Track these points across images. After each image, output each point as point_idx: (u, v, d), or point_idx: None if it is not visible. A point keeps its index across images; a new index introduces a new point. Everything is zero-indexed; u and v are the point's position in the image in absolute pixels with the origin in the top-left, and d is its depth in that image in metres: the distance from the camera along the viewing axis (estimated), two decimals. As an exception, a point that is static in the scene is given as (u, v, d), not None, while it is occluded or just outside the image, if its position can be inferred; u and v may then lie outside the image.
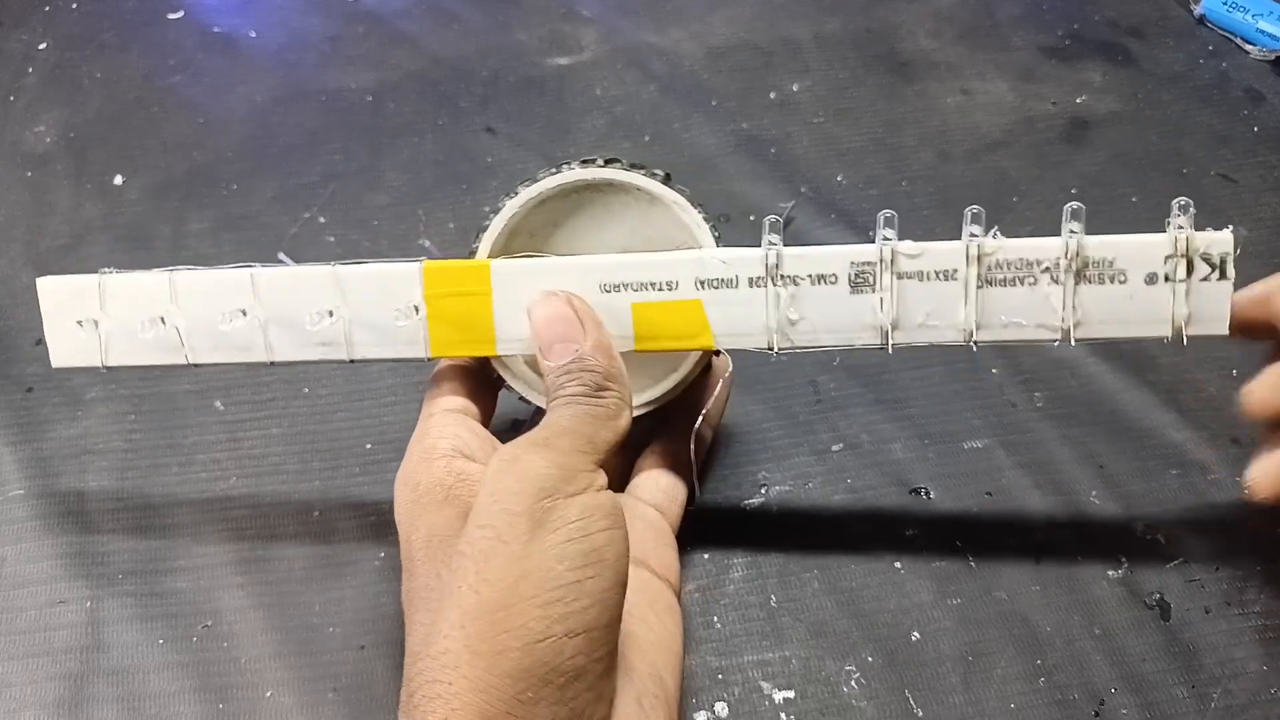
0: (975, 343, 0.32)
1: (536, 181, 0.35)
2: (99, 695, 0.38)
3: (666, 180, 0.35)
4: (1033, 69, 0.58)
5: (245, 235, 0.51)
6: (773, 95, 0.57)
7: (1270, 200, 0.51)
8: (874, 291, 0.32)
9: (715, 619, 0.39)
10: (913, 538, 0.41)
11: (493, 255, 0.35)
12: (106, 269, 0.36)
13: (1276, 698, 0.37)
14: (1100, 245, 0.31)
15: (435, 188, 0.53)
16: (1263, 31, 0.58)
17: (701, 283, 0.33)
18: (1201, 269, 0.31)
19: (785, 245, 0.33)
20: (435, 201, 0.52)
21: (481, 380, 0.36)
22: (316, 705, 0.37)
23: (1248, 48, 0.58)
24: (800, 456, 0.43)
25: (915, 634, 0.38)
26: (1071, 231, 0.31)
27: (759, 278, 0.32)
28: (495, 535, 0.27)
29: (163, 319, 0.35)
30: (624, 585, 0.29)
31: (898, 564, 0.40)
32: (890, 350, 0.32)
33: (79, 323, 0.36)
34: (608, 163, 0.34)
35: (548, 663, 0.26)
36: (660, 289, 0.33)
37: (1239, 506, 0.41)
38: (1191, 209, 0.31)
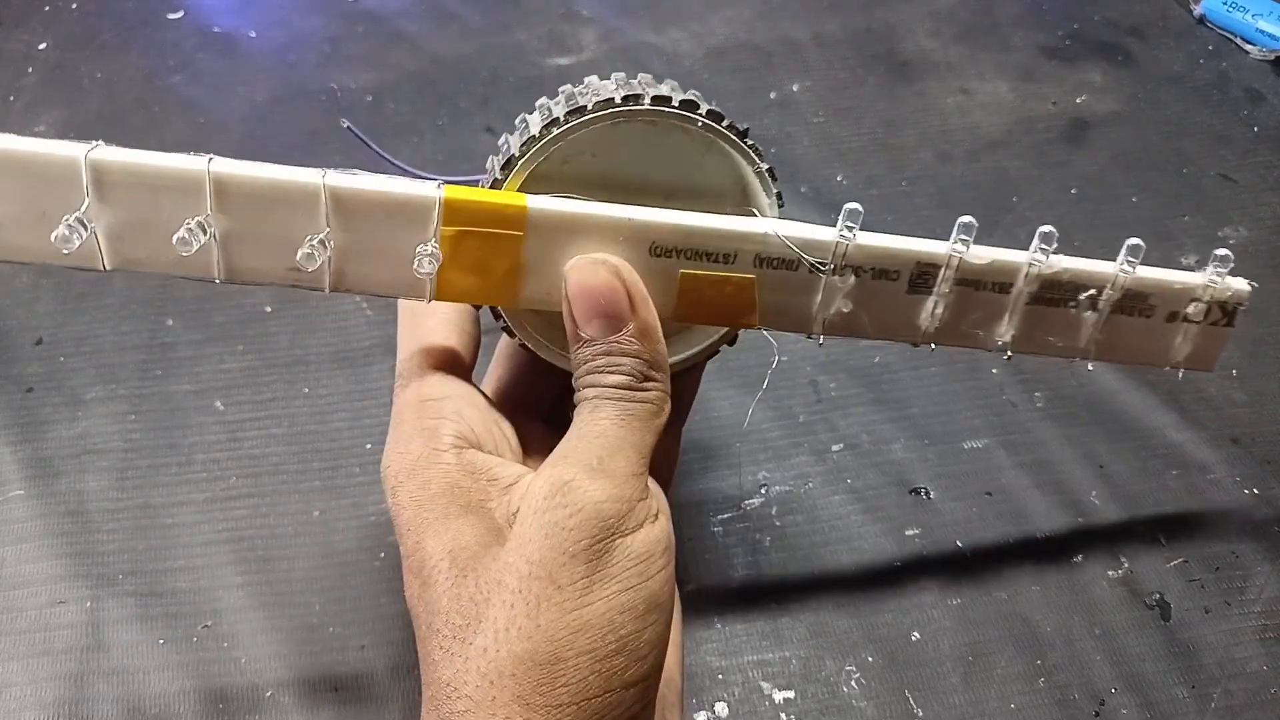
0: (1010, 355, 0.32)
1: (580, 110, 0.29)
2: (99, 695, 0.38)
3: (735, 128, 0.30)
4: (1033, 69, 0.58)
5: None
6: (773, 95, 0.57)
7: (1270, 200, 0.51)
8: (930, 294, 0.31)
9: (715, 619, 0.39)
10: (913, 538, 0.41)
11: (524, 189, 0.29)
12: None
13: (1276, 698, 0.37)
14: (1146, 283, 0.32)
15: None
16: (1263, 31, 0.58)
17: (762, 260, 0.29)
18: (1214, 314, 0.33)
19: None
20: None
21: (464, 310, 0.32)
22: (316, 705, 0.37)
23: (1248, 48, 0.58)
24: (800, 456, 0.43)
25: (915, 634, 0.38)
26: (1124, 270, 0.31)
27: (824, 264, 0.30)
28: (549, 578, 0.25)
29: (79, 211, 0.26)
30: (672, 622, 0.27)
31: (898, 564, 0.40)
32: (918, 346, 0.32)
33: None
34: (684, 105, 0.29)
35: (604, 715, 0.25)
36: (716, 260, 0.29)
37: (1239, 506, 0.41)
38: (1231, 262, 0.32)
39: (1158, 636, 0.38)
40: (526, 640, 0.24)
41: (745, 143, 0.30)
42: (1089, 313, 0.32)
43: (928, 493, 0.42)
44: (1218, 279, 0.32)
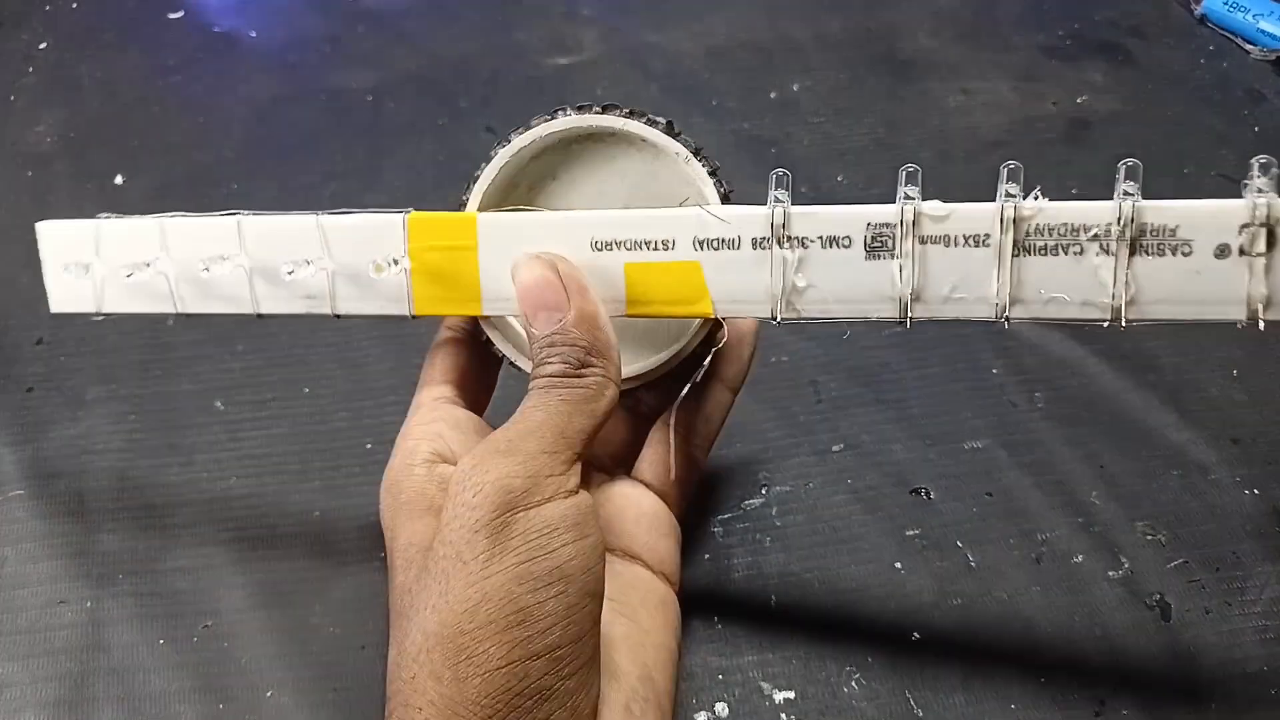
0: (1008, 319, 0.27)
1: (529, 129, 0.32)
2: (99, 695, 0.38)
3: (669, 129, 0.32)
4: (1033, 69, 0.58)
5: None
6: (773, 95, 0.57)
7: (1271, 200, 0.51)
8: (893, 258, 0.28)
9: (715, 619, 0.39)
10: (913, 538, 0.41)
11: (483, 209, 0.33)
12: (104, 214, 0.35)
13: (1276, 698, 0.37)
14: (1161, 211, 0.26)
15: (435, 188, 0.53)
16: (1263, 31, 0.58)
17: (701, 243, 0.30)
18: None
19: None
20: (435, 201, 0.51)
21: (480, 354, 0.35)
22: (316, 705, 0.37)
23: (1248, 48, 0.58)
24: (800, 456, 0.43)
25: (915, 634, 0.38)
26: (1126, 193, 0.27)
27: (763, 238, 0.29)
28: (455, 554, 0.26)
29: (150, 264, 0.34)
30: (596, 595, 0.28)
31: (898, 564, 0.40)
32: (909, 325, 0.28)
33: (72, 267, 0.36)
34: (605, 109, 0.32)
35: (511, 688, 0.25)
36: (656, 248, 0.30)
37: (1239, 506, 0.41)
38: (1275, 169, 0.26)
39: (1158, 637, 0.38)
40: (437, 616, 0.26)
41: (681, 140, 0.32)
42: (1102, 258, 0.27)
43: (928, 493, 0.42)
44: (1264, 190, 0.26)
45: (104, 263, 0.35)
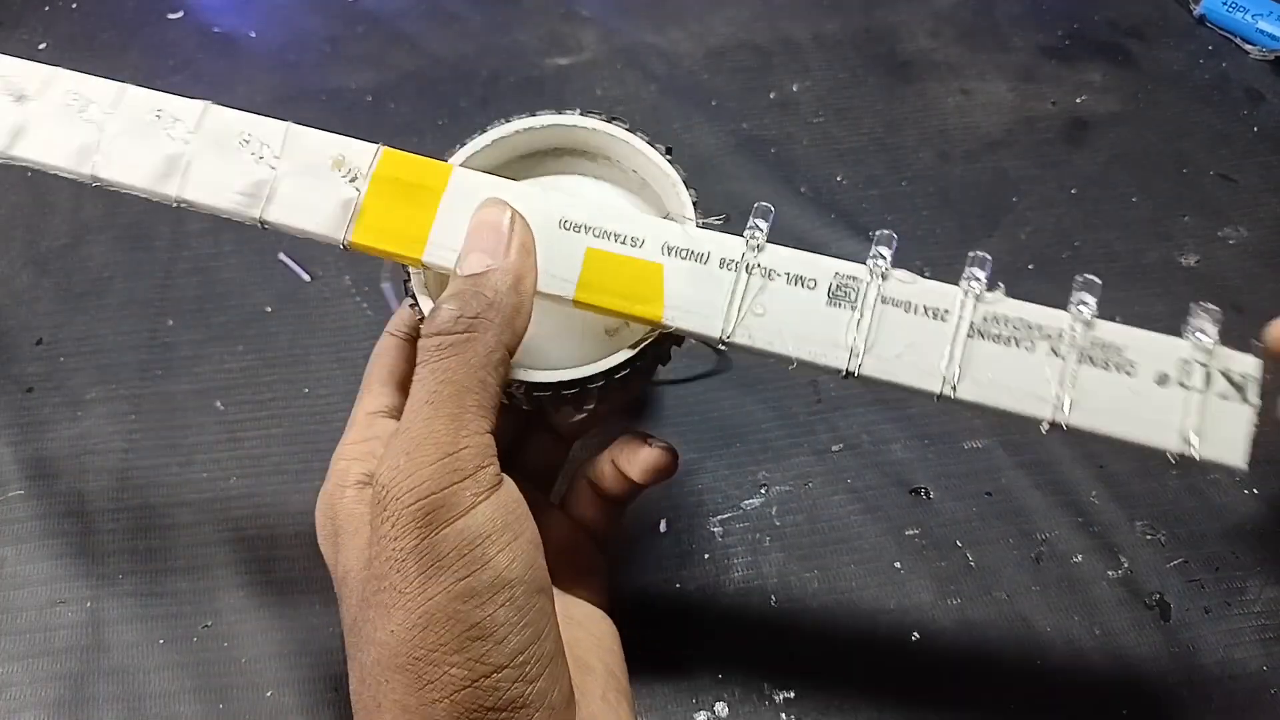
0: (955, 393, 0.28)
1: (533, 115, 0.33)
2: (99, 695, 0.38)
3: (665, 152, 0.32)
4: (1033, 69, 0.58)
5: (245, 235, 0.51)
6: (773, 95, 0.57)
7: (1270, 200, 0.51)
8: (853, 309, 0.28)
9: (715, 619, 0.39)
10: (912, 537, 0.41)
11: None
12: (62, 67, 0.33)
13: (1277, 698, 0.37)
14: (1112, 330, 0.28)
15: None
16: (1263, 31, 0.58)
17: (670, 249, 0.29)
18: (1220, 384, 0.27)
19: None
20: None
21: (403, 365, 0.34)
22: (316, 705, 0.37)
23: (1248, 48, 0.58)
24: (800, 456, 0.43)
25: (915, 634, 0.38)
26: (1081, 304, 0.28)
27: (733, 260, 0.29)
28: (390, 586, 0.25)
29: (92, 106, 0.31)
30: (545, 589, 0.27)
31: (898, 564, 0.40)
32: (857, 375, 0.28)
33: (5, 96, 0.32)
34: (584, 114, 0.32)
35: (481, 703, 0.25)
36: (624, 242, 0.30)
37: (1239, 506, 0.41)
38: (1219, 318, 0.27)
39: (1158, 636, 0.38)
40: (385, 648, 0.25)
41: (652, 144, 0.32)
42: (1050, 358, 0.27)
43: (928, 493, 0.42)
44: (1205, 336, 0.27)
45: (44, 101, 0.32)
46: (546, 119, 0.33)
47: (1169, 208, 0.51)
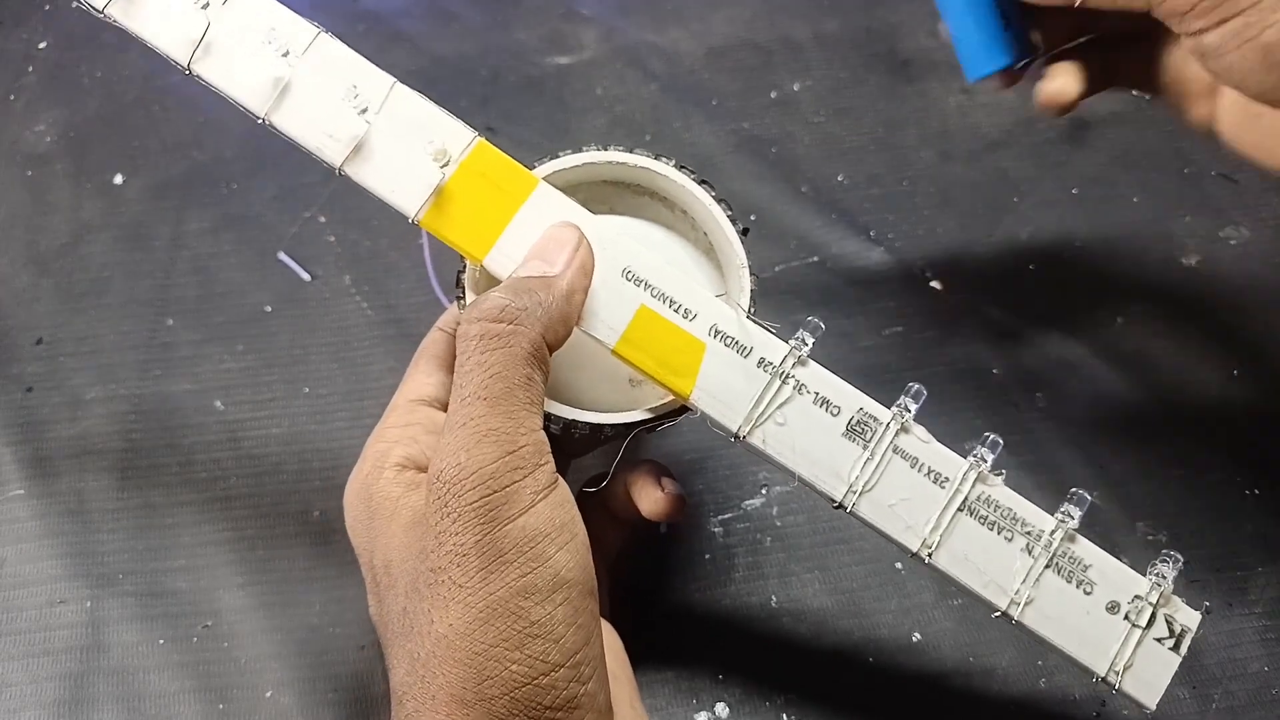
0: (929, 558, 0.30)
1: (626, 151, 0.33)
2: (99, 695, 0.38)
3: (742, 231, 0.33)
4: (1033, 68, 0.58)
5: (245, 235, 0.51)
6: (773, 94, 0.57)
7: (1270, 200, 0.51)
8: (865, 447, 0.30)
9: (716, 619, 0.39)
10: (913, 538, 0.41)
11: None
12: None
13: (1277, 698, 0.37)
14: (1084, 547, 0.30)
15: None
16: (1263, 31, 0.58)
17: (717, 332, 0.30)
18: (1160, 628, 0.30)
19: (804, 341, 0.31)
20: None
21: (448, 359, 0.33)
22: (316, 705, 0.37)
23: (1248, 47, 0.58)
24: (800, 456, 0.43)
25: (916, 635, 0.38)
26: (1068, 516, 0.30)
27: (772, 364, 0.30)
28: (449, 579, 0.25)
29: (206, 6, 0.31)
30: (593, 593, 0.27)
31: (898, 564, 0.40)
32: (845, 510, 0.30)
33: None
34: (680, 167, 0.33)
35: (539, 701, 0.25)
36: (677, 311, 0.30)
37: (1239, 506, 0.41)
38: (1179, 565, 0.30)
39: (1158, 637, 0.38)
40: (441, 641, 0.25)
41: (732, 220, 0.32)
42: (1022, 555, 0.29)
43: (928, 493, 0.42)
44: (1165, 579, 0.30)
45: None
46: (641, 160, 0.33)
47: (1170, 208, 0.51)
